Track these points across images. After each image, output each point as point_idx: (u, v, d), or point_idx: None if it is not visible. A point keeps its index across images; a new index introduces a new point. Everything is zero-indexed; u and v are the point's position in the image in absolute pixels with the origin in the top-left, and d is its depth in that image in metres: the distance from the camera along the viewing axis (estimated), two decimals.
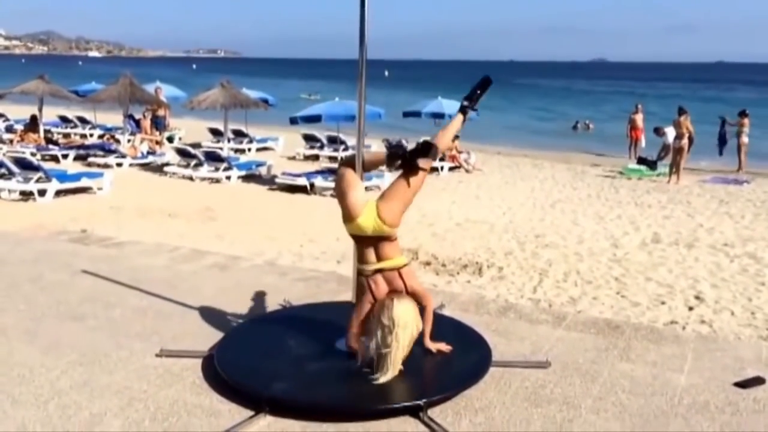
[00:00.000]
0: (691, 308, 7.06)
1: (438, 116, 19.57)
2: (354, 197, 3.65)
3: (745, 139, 18.38)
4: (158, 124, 20.44)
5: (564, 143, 25.45)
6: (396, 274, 3.69)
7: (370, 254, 3.69)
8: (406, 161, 3.66)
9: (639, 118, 20.80)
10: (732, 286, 7.87)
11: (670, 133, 17.43)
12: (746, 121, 18.54)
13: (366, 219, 3.61)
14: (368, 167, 3.94)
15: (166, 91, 22.47)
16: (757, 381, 3.84)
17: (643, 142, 20.93)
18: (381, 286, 3.67)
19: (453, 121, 4.11)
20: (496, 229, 10.79)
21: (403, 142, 18.65)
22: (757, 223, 11.62)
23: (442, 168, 17.09)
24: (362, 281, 3.71)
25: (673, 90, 66.10)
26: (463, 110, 4.08)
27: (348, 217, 3.65)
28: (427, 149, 3.63)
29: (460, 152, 18.05)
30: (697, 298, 7.40)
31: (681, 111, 16.92)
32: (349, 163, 3.89)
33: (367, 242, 3.68)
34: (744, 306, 7.15)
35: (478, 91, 4.11)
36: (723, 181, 16.40)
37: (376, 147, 19.54)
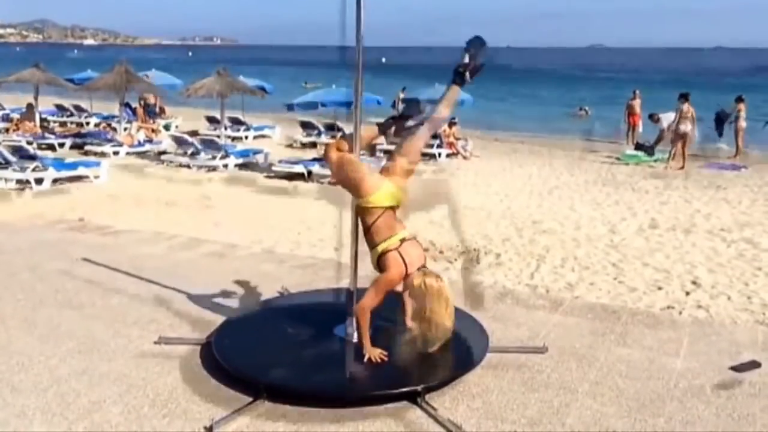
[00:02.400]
0: (687, 293, 7.09)
1: (435, 103, 19.50)
2: (370, 171, 3.73)
3: (742, 123, 18.35)
4: (150, 112, 20.36)
5: (562, 129, 25.42)
6: (415, 242, 3.75)
7: (391, 227, 3.69)
8: (399, 124, 3.80)
9: (637, 104, 20.79)
10: (729, 271, 7.89)
11: (665, 119, 17.42)
12: (742, 106, 18.51)
13: (391, 187, 3.67)
14: (363, 146, 3.95)
15: (162, 80, 22.37)
16: (752, 365, 3.86)
17: (641, 128, 20.93)
18: (411, 255, 3.65)
19: (449, 92, 4.00)
20: (494, 215, 10.79)
21: None
22: (754, 209, 11.64)
23: (439, 155, 17.07)
24: (390, 256, 3.61)
25: (662, 76, 65.58)
26: (456, 80, 3.93)
27: (371, 188, 3.65)
28: (414, 106, 3.75)
29: (457, 139, 18.02)
30: (693, 283, 7.42)
31: (685, 97, 16.81)
32: (338, 144, 3.92)
33: (386, 215, 3.68)
34: (740, 291, 7.17)
35: (471, 58, 3.88)
36: (720, 167, 16.40)
37: None
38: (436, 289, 3.56)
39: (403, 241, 3.68)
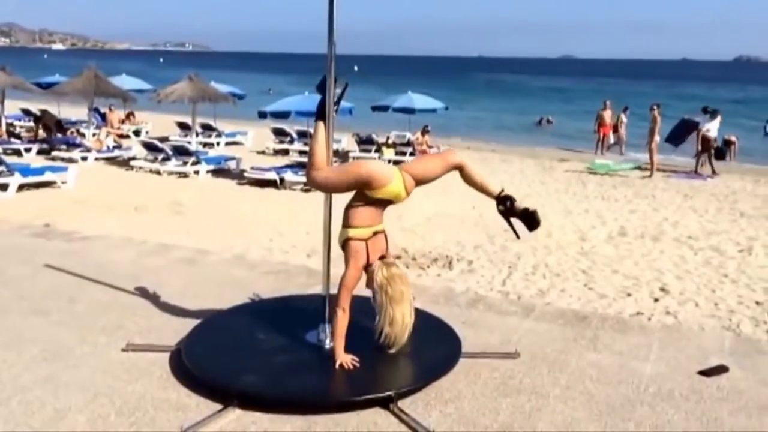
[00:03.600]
0: (656, 300, 7.18)
1: (408, 111, 19.59)
2: (377, 166, 3.67)
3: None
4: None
5: (532, 138, 25.68)
6: (383, 236, 3.77)
7: (374, 217, 3.68)
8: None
9: (607, 115, 21.11)
10: (696, 278, 8.02)
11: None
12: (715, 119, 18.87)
13: (397, 185, 3.62)
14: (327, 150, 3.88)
15: (132, 84, 22.16)
16: (720, 369, 3.91)
17: (611, 139, 21.26)
18: (376, 248, 3.69)
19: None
20: (466, 223, 10.84)
21: (373, 136, 18.69)
22: (720, 217, 11.86)
23: None
24: (356, 246, 3.63)
25: (634, 87, 66.69)
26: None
27: (379, 183, 3.58)
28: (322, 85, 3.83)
29: (430, 147, 18.11)
30: (662, 289, 7.52)
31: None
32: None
33: (378, 206, 3.67)
34: (707, 297, 7.29)
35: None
36: (687, 177, 16.71)
37: (346, 141, 19.53)
38: (398, 275, 3.64)
39: (375, 233, 3.70)
